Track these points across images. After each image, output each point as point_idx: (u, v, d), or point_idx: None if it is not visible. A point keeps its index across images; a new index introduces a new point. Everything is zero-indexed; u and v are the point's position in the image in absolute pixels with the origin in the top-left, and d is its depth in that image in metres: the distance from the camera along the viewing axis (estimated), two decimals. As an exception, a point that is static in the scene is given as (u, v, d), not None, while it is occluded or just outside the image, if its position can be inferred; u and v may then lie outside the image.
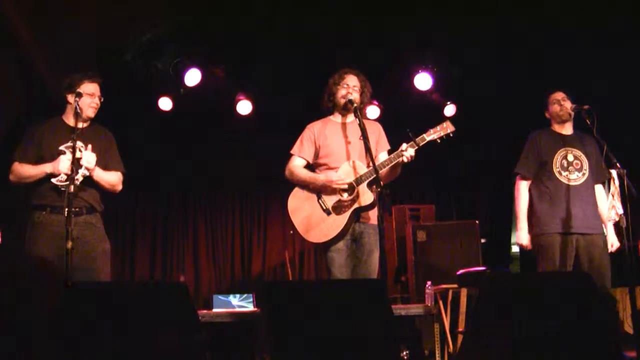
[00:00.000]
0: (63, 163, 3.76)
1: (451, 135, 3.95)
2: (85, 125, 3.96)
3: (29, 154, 3.87)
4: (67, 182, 3.66)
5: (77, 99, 3.80)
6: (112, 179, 4.00)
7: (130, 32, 6.54)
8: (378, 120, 6.96)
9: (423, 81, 7.12)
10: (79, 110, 3.78)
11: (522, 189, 4.57)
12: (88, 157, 3.80)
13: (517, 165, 4.62)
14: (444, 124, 3.97)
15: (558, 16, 6.15)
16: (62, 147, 3.84)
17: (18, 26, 5.29)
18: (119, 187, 4.08)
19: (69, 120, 3.97)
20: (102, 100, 4.00)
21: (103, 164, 3.95)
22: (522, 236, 4.52)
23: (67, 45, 5.84)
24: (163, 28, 6.61)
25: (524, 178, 4.58)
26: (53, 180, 3.76)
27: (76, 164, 3.68)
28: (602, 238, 4.40)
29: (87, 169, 3.80)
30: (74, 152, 3.64)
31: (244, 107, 7.40)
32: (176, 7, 6.46)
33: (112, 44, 6.53)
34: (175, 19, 6.58)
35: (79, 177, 3.77)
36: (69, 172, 3.67)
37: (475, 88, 7.13)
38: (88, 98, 3.91)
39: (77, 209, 3.71)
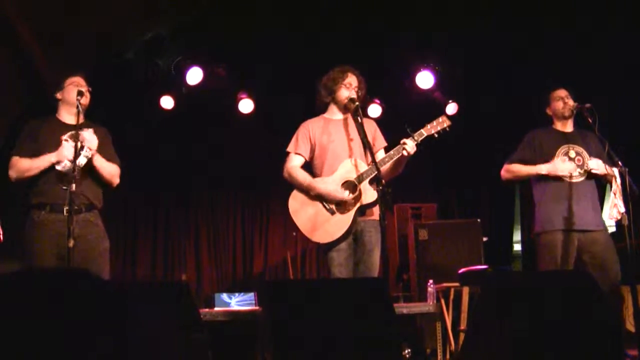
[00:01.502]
0: (67, 149, 3.74)
1: (447, 129, 3.94)
2: (81, 122, 3.94)
3: (28, 149, 3.84)
4: (71, 168, 3.64)
5: (78, 97, 3.79)
6: (111, 168, 3.99)
7: (131, 31, 6.55)
8: (380, 119, 6.98)
9: (425, 80, 7.12)
10: (80, 109, 3.77)
11: (511, 164, 4.56)
12: (90, 138, 3.77)
13: (511, 156, 4.61)
14: (440, 119, 3.97)
15: (558, 15, 6.16)
16: (64, 137, 3.83)
17: (19, 25, 5.30)
18: (117, 180, 4.05)
19: (64, 118, 3.99)
20: (90, 90, 3.98)
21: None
22: (545, 167, 4.41)
23: (68, 44, 5.84)
24: (164, 27, 6.62)
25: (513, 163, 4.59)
26: (57, 167, 3.74)
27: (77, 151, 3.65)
28: (604, 234, 4.40)
29: (89, 149, 3.76)
30: (76, 143, 3.62)
31: (246, 105, 7.41)
32: (177, 6, 6.47)
33: (114, 43, 6.54)
34: (176, 18, 6.59)
35: (81, 162, 3.72)
36: (73, 158, 3.67)
37: (477, 87, 7.14)
38: (75, 88, 3.90)
39: (76, 207, 3.67)
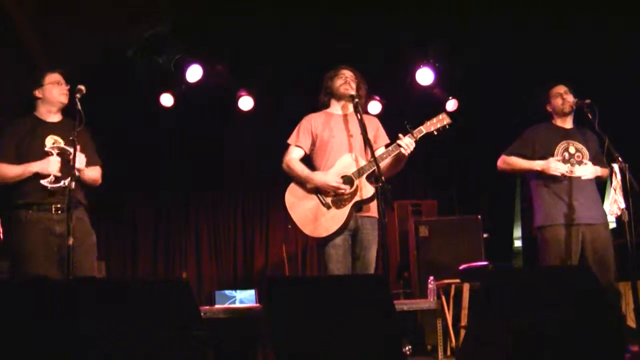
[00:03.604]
0: (53, 165, 3.70)
1: (447, 127, 3.93)
2: (59, 119, 3.91)
3: (9, 152, 3.77)
4: (57, 185, 3.65)
5: (77, 95, 3.70)
6: (95, 175, 3.97)
7: (131, 29, 6.54)
8: (380, 115, 6.97)
9: (425, 76, 7.12)
10: (79, 108, 3.69)
11: (507, 157, 4.58)
12: (80, 159, 3.72)
13: (509, 148, 4.62)
14: (440, 116, 3.95)
15: (558, 13, 6.16)
16: (47, 148, 3.77)
17: (19, 23, 5.29)
18: (100, 181, 4.04)
19: (43, 115, 3.91)
20: (69, 86, 3.88)
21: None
22: (540, 163, 4.43)
23: (68, 42, 5.84)
24: (164, 25, 6.61)
25: (512, 155, 4.60)
26: (42, 182, 3.68)
27: (69, 166, 3.60)
28: (605, 228, 4.41)
29: (78, 170, 3.70)
30: (74, 157, 3.57)
31: (245, 103, 7.42)
32: (177, 4, 6.47)
33: (114, 41, 6.53)
34: (176, 16, 6.58)
35: (72, 181, 3.59)
36: (59, 174, 3.66)
37: (477, 84, 7.13)
38: (56, 87, 3.86)
39: (63, 205, 3.65)
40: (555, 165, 4.38)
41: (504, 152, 4.63)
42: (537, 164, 4.45)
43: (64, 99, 3.87)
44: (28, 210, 3.72)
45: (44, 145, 3.80)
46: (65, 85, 3.91)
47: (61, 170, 3.70)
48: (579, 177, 4.40)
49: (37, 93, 3.91)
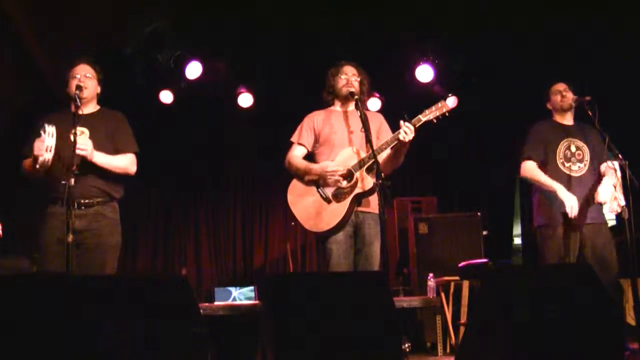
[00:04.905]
0: (37, 145, 3.58)
1: (446, 114, 3.91)
2: (92, 110, 3.94)
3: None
4: (47, 161, 3.56)
5: (77, 92, 3.75)
6: (119, 162, 3.92)
7: (131, 25, 6.53)
8: (379, 112, 6.97)
9: (424, 73, 7.11)
10: (78, 104, 3.72)
11: (530, 165, 4.46)
12: (83, 144, 3.67)
13: (524, 151, 4.51)
14: (439, 104, 3.93)
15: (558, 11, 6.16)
16: (41, 131, 3.68)
17: (19, 20, 5.29)
18: (132, 169, 4.01)
19: (73, 109, 3.88)
20: (98, 75, 3.93)
21: (113, 147, 3.90)
22: (561, 193, 4.27)
23: (67, 39, 5.84)
24: (163, 22, 6.60)
25: (530, 159, 4.49)
26: (36, 165, 3.60)
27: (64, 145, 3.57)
28: (605, 227, 4.40)
29: (82, 155, 3.64)
30: (74, 138, 3.54)
31: (245, 100, 7.41)
32: (176, 2, 6.46)
33: (113, 38, 6.52)
34: (175, 13, 6.58)
35: (47, 157, 3.55)
36: (42, 153, 3.53)
37: (476, 82, 7.13)
38: (74, 81, 3.87)
39: (87, 201, 3.67)
40: (569, 200, 4.23)
41: (521, 157, 4.51)
42: (559, 189, 4.29)
43: (84, 93, 3.85)
44: (54, 204, 3.74)
45: (68, 137, 3.76)
46: (88, 75, 3.91)
47: (50, 148, 3.58)
48: (579, 178, 4.39)
49: (67, 91, 3.94)
